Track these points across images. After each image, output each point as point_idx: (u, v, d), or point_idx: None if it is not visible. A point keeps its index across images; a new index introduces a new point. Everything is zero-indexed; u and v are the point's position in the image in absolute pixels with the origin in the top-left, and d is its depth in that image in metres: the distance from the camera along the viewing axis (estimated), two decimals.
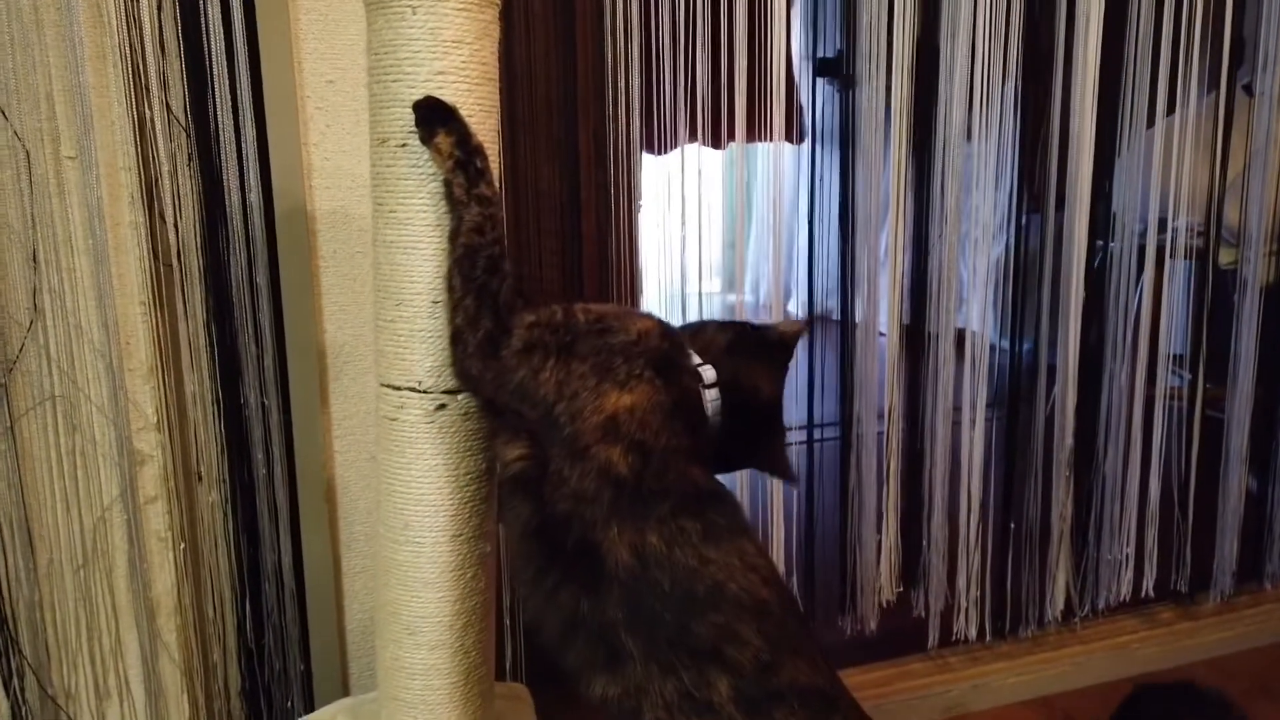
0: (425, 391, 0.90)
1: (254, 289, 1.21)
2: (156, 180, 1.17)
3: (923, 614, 1.65)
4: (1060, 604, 1.72)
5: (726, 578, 0.80)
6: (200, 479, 1.23)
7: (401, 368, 0.90)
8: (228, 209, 1.19)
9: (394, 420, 0.92)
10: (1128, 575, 1.77)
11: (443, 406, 0.91)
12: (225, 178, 1.18)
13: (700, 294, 1.54)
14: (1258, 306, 1.81)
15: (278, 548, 1.25)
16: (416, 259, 0.87)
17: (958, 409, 1.62)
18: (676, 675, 0.79)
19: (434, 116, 0.85)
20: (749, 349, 0.93)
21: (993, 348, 1.63)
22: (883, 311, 1.58)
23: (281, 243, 1.21)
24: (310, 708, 1.27)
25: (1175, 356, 1.80)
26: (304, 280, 1.22)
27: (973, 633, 1.67)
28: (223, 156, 1.18)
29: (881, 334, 1.59)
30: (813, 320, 1.57)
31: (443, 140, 0.84)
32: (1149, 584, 1.78)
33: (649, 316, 0.89)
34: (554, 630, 0.82)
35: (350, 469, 1.28)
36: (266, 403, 1.23)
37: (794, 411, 1.59)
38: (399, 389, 0.91)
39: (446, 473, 0.92)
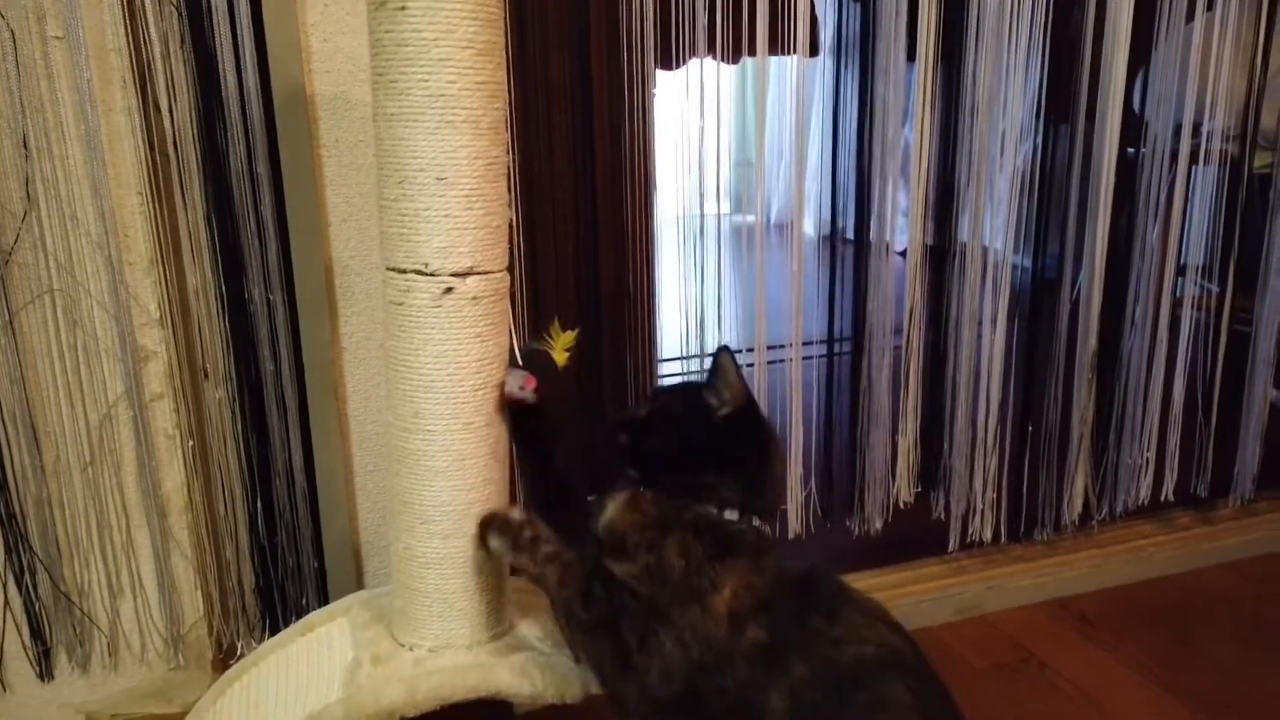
0: (432, 274, 0.87)
1: (254, 179, 1.16)
2: (149, 64, 1.12)
3: (942, 516, 1.63)
4: (1078, 507, 1.71)
5: (861, 644, 0.84)
6: (206, 376, 1.20)
7: (406, 249, 0.87)
8: (224, 94, 1.14)
9: (400, 305, 0.89)
10: (1147, 479, 1.74)
11: (450, 290, 0.87)
12: (220, 61, 1.13)
13: (717, 216, 1.50)
14: None
15: (288, 445, 1.24)
16: (419, 132, 0.83)
17: (979, 323, 1.58)
18: None
19: (498, 529, 0.94)
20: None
21: (1015, 266, 1.59)
22: (902, 228, 1.54)
23: (281, 130, 1.16)
24: (325, 604, 1.27)
25: (1201, 268, 1.75)
26: (306, 170, 1.18)
27: (988, 535, 1.66)
28: (217, 38, 1.12)
29: (900, 252, 1.55)
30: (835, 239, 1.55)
31: (495, 544, 0.93)
32: (1168, 488, 1.76)
33: (668, 521, 0.90)
34: None
35: (359, 365, 1.25)
36: (271, 298, 1.19)
37: (814, 326, 1.56)
38: (404, 272, 0.87)
39: (456, 358, 0.89)
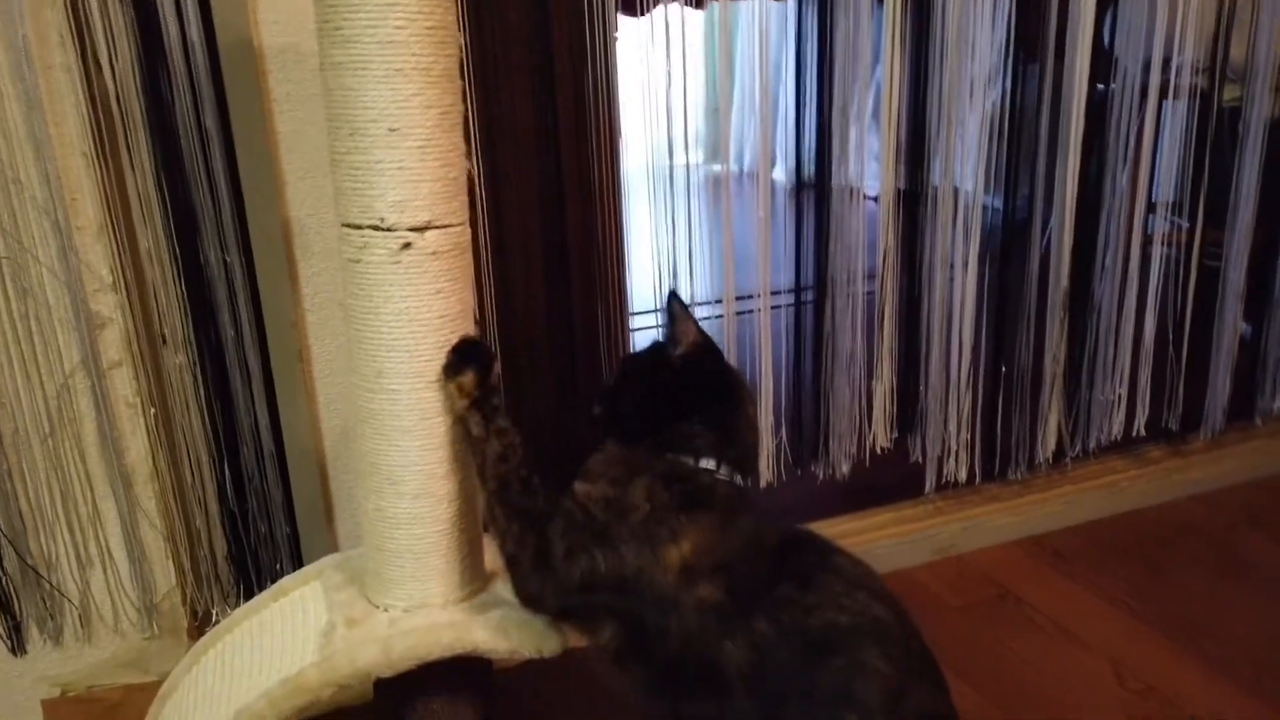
0: (389, 229, 0.84)
1: (204, 136, 1.12)
2: (86, 18, 1.07)
3: (919, 459, 1.64)
4: (1051, 445, 1.72)
5: (836, 612, 0.83)
6: (165, 342, 1.17)
7: (361, 204, 0.84)
8: (167, 48, 1.09)
9: (358, 262, 0.86)
10: (1119, 415, 1.75)
11: (408, 245, 0.85)
12: (161, 13, 1.08)
13: (686, 166, 1.48)
14: (1261, 143, 1.74)
15: (253, 410, 1.21)
16: (368, 81, 0.80)
17: (951, 266, 1.57)
18: None
19: (468, 356, 0.88)
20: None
21: (985, 207, 1.58)
22: (874, 173, 1.52)
23: (229, 85, 1.12)
24: (298, 569, 1.26)
25: (1172, 204, 1.74)
26: (258, 126, 1.14)
27: (963, 476, 1.66)
28: None
29: (872, 197, 1.53)
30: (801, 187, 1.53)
31: (467, 379, 0.88)
32: (1140, 423, 1.77)
33: (639, 464, 0.89)
34: None
35: (323, 327, 1.22)
36: (229, 260, 1.16)
37: (782, 276, 1.55)
38: (360, 228, 0.85)
39: (417, 315, 0.87)
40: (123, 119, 1.10)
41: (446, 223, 0.86)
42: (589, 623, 0.89)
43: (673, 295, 0.95)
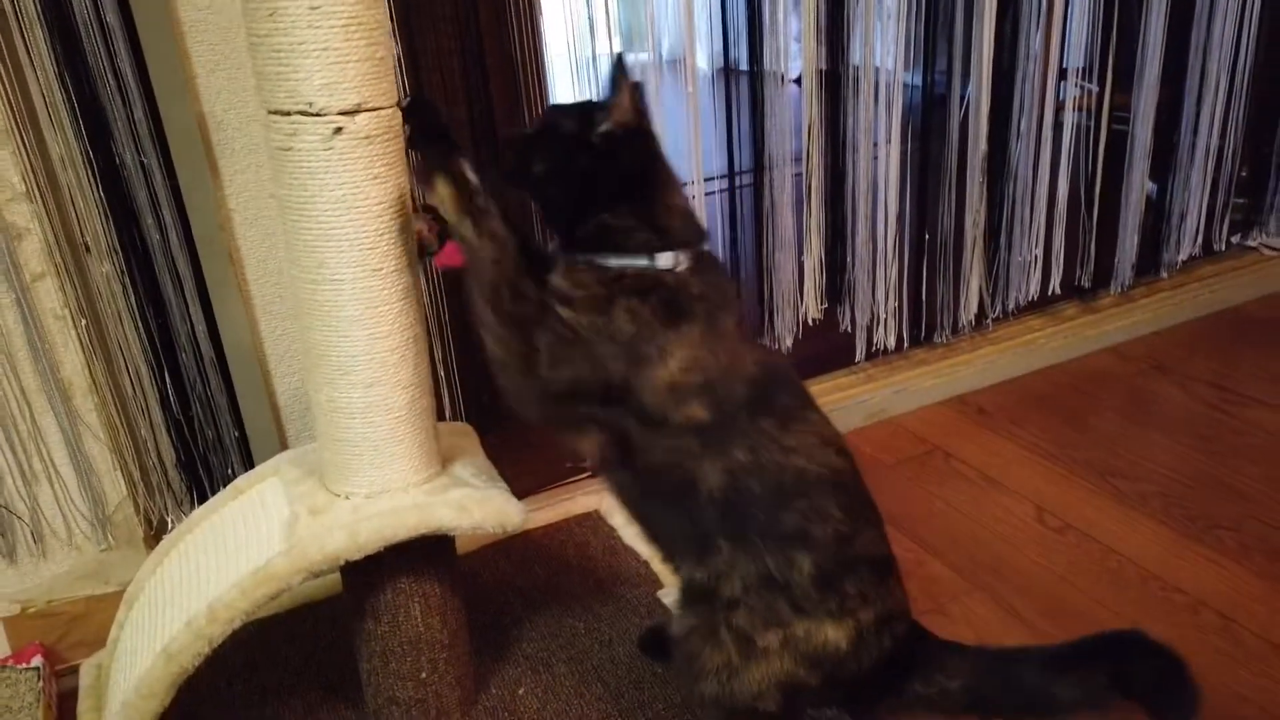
0: (318, 114, 0.82)
1: (106, 31, 1.07)
2: None
3: (848, 328, 1.69)
4: (974, 308, 1.79)
5: (807, 461, 0.88)
6: (89, 250, 1.14)
7: (287, 89, 0.82)
8: None
9: (288, 150, 0.85)
10: (1036, 275, 1.83)
11: (340, 130, 0.83)
12: None
13: (610, 53, 1.45)
14: (1164, 4, 1.78)
15: (188, 316, 1.19)
16: None
17: (875, 143, 1.60)
18: (761, 561, 0.87)
19: (436, 160, 0.86)
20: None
21: (905, 85, 1.59)
22: (795, 54, 1.52)
23: None
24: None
25: (1082, 69, 1.78)
26: (160, 17, 1.09)
27: (891, 343, 1.73)
28: None
29: (794, 79, 1.53)
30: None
31: (442, 187, 0.85)
32: (1055, 282, 1.86)
33: (612, 285, 0.87)
34: (654, 530, 0.95)
35: (251, 226, 1.20)
36: (146, 161, 1.12)
37: (714, 162, 1.56)
38: (288, 114, 0.83)
39: (355, 203, 0.86)
40: (17, 16, 1.04)
41: (378, 104, 0.85)
42: (573, 431, 0.91)
43: (619, 59, 0.88)
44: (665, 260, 0.88)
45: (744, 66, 1.53)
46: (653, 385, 0.85)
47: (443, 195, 0.86)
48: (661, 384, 0.85)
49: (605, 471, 0.93)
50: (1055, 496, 1.46)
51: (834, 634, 0.88)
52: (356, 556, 0.92)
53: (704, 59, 1.61)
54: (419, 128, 0.88)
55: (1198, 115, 1.91)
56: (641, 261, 0.88)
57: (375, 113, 0.85)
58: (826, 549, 0.87)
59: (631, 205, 0.89)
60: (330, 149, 0.84)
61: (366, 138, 0.85)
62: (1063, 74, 1.76)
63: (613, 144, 0.88)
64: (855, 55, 1.56)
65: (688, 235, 0.91)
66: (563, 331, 0.86)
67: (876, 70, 1.58)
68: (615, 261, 0.88)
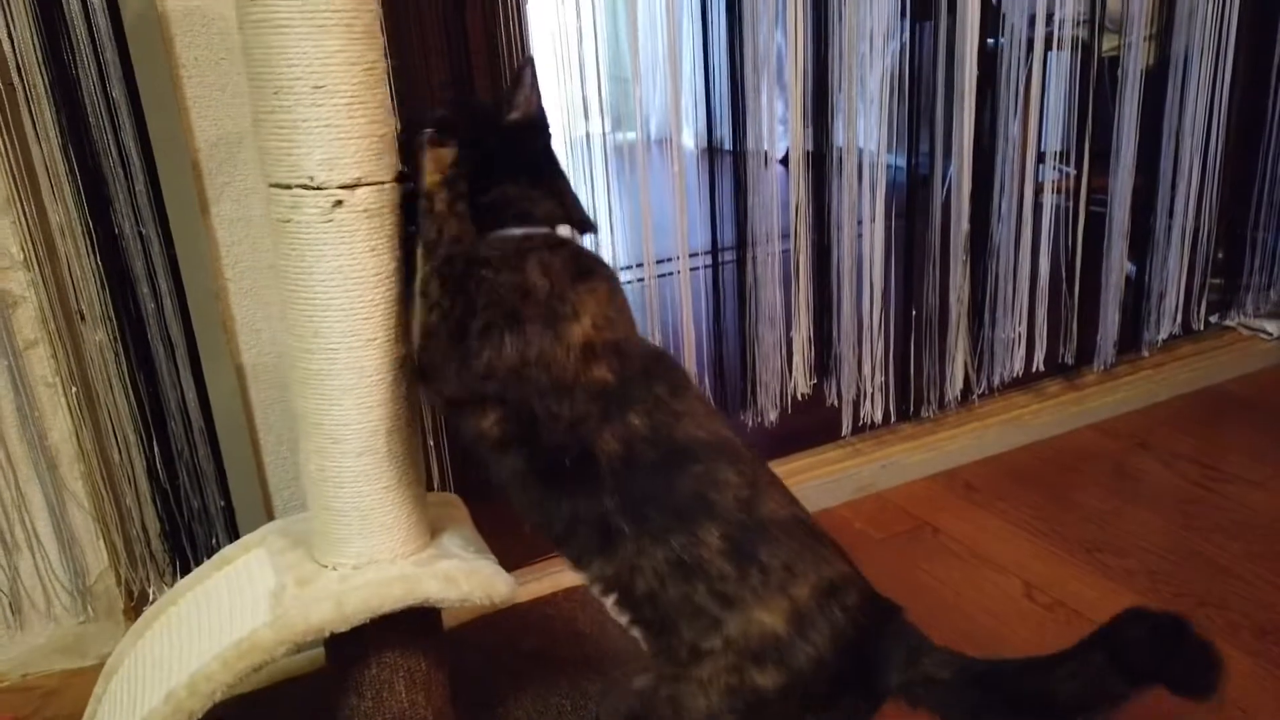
0: (319, 188, 0.84)
1: (111, 105, 1.10)
2: None
3: (835, 403, 1.71)
4: (959, 383, 1.81)
5: (696, 427, 0.87)
6: (83, 318, 1.15)
7: (289, 164, 0.84)
8: (68, 15, 1.06)
9: (288, 222, 0.86)
10: (1019, 352, 1.86)
11: (340, 203, 0.85)
12: None
13: (602, 133, 1.50)
14: (1138, 90, 1.85)
15: (179, 384, 1.20)
16: (291, 38, 0.80)
17: (859, 221, 1.64)
18: (666, 544, 0.84)
19: (450, 134, 0.88)
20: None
21: (889, 166, 1.64)
22: (781, 135, 1.57)
23: (135, 52, 1.10)
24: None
25: (1060, 153, 1.84)
26: (165, 93, 1.12)
27: (879, 417, 1.74)
28: None
29: (780, 159, 1.58)
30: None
31: (448, 152, 0.87)
32: (1039, 359, 1.88)
33: (524, 243, 0.89)
34: (556, 531, 0.89)
35: (245, 296, 1.21)
36: (144, 230, 1.14)
37: (698, 238, 1.60)
38: (289, 188, 0.85)
39: (352, 274, 0.87)
40: (25, 90, 1.07)
41: (378, 179, 0.87)
42: (476, 409, 0.88)
43: (529, 61, 0.96)
44: (565, 232, 0.93)
45: (729, 146, 1.58)
46: (567, 344, 0.85)
47: (442, 158, 0.87)
48: (577, 342, 0.85)
49: (500, 455, 0.89)
50: (1043, 572, 1.45)
51: (768, 618, 0.81)
52: (343, 628, 0.91)
53: (690, 138, 1.66)
54: (444, 125, 0.89)
55: (1173, 198, 1.97)
56: (544, 230, 0.92)
57: (375, 187, 0.87)
58: (730, 516, 0.83)
59: (532, 179, 0.94)
60: (329, 221, 0.85)
61: (365, 211, 0.87)
62: (1041, 157, 1.82)
63: (519, 129, 0.95)
64: (839, 137, 1.61)
65: (582, 217, 0.96)
66: (492, 294, 0.86)
67: (860, 151, 1.62)
68: (520, 231, 0.91)
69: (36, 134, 1.08)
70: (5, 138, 1.06)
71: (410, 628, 0.98)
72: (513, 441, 0.88)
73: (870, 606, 0.85)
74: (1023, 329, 1.84)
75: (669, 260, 1.55)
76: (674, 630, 0.84)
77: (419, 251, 0.88)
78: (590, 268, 0.90)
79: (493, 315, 0.85)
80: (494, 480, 0.92)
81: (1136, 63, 1.84)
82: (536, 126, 0.96)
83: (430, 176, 0.87)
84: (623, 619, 0.90)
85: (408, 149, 0.90)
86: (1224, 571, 1.43)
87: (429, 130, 0.87)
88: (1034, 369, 1.88)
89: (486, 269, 0.87)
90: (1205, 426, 1.90)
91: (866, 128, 1.63)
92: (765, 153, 1.57)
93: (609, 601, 0.89)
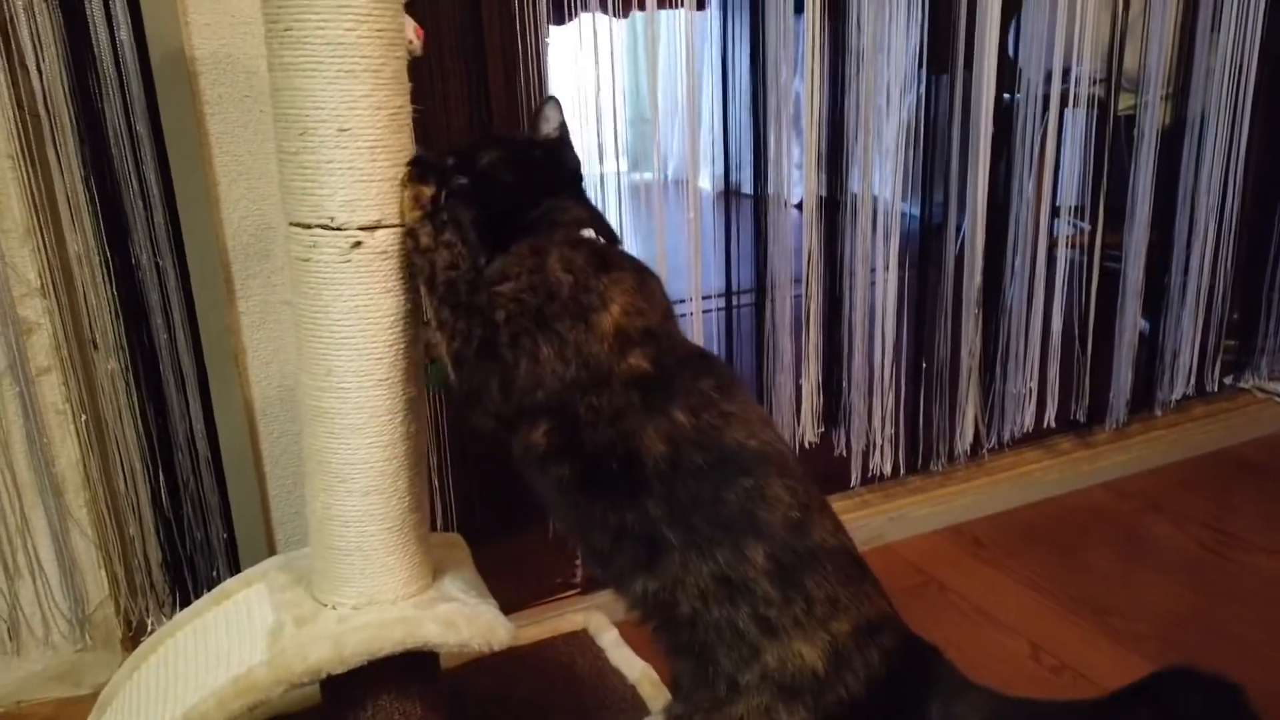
0: (339, 228, 0.85)
1: (134, 139, 1.11)
2: (11, 19, 1.05)
3: (844, 453, 1.70)
4: (969, 437, 1.80)
5: (748, 436, 0.85)
6: (96, 347, 1.15)
7: (310, 204, 0.85)
8: (96, 50, 1.08)
9: (307, 261, 0.87)
10: (1030, 408, 1.85)
11: (359, 244, 0.86)
12: (90, 14, 1.07)
13: (618, 174, 1.51)
14: (1154, 149, 1.86)
15: (188, 415, 1.20)
16: (318, 82, 0.81)
17: (872, 270, 1.64)
18: (713, 558, 0.82)
19: (429, 170, 0.87)
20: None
21: (903, 214, 1.65)
22: (796, 180, 1.58)
23: (160, 88, 1.11)
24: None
25: (1075, 208, 1.85)
26: (189, 129, 1.13)
27: (888, 469, 1.73)
28: None
29: (795, 204, 1.59)
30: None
31: (427, 189, 0.86)
32: (1050, 415, 1.87)
33: (550, 245, 0.89)
34: (601, 547, 0.87)
35: (258, 330, 1.22)
36: (160, 262, 1.15)
37: (712, 280, 1.60)
38: (309, 227, 0.85)
39: (368, 314, 0.88)
40: (51, 122, 1.08)
41: (396, 222, 0.87)
42: (525, 422, 0.87)
43: (552, 98, 0.99)
44: (590, 234, 0.94)
45: (746, 189, 1.59)
46: (600, 333, 0.85)
47: (421, 194, 0.86)
48: (608, 331, 0.85)
49: (547, 466, 0.88)
50: (1050, 634, 1.43)
51: (808, 652, 0.79)
52: (340, 669, 0.90)
53: (707, 180, 1.67)
54: (423, 163, 0.89)
55: (1188, 257, 1.96)
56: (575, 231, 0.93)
57: (394, 229, 0.87)
58: (778, 537, 0.81)
59: (570, 194, 0.96)
60: (348, 261, 0.86)
61: (383, 253, 0.87)
62: (1056, 212, 1.82)
63: (552, 150, 0.98)
64: (854, 184, 1.61)
65: (608, 226, 0.97)
66: (511, 306, 0.86)
67: (875, 199, 1.63)
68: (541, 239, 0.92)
69: (60, 165, 1.09)
70: (29, 168, 1.07)
71: (408, 670, 0.97)
72: (560, 451, 0.87)
73: (905, 648, 0.85)
74: (1034, 384, 1.83)
75: (682, 301, 1.55)
76: (713, 659, 0.83)
77: (423, 291, 0.88)
78: (613, 260, 0.90)
79: (519, 324, 0.85)
80: (539, 496, 0.91)
81: (1153, 122, 1.85)
82: (564, 146, 0.98)
83: (410, 214, 0.87)
84: (661, 646, 0.88)
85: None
86: (1236, 640, 1.41)
87: (407, 168, 0.87)
88: (1045, 425, 1.87)
89: (499, 283, 0.86)
90: (1218, 490, 1.88)
91: (882, 176, 1.64)
92: (782, 197, 1.57)
93: (651, 627, 0.88)
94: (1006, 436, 1.84)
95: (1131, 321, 1.94)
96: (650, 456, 0.83)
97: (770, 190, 1.57)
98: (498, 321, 0.85)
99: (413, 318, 0.91)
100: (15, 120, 1.06)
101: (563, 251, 0.88)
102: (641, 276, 0.91)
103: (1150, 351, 2.01)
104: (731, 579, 0.81)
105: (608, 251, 0.92)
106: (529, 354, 0.85)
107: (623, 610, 0.92)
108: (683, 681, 0.88)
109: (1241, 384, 2.18)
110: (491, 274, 0.88)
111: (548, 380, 0.85)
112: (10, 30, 1.05)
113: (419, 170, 0.87)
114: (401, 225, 0.88)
